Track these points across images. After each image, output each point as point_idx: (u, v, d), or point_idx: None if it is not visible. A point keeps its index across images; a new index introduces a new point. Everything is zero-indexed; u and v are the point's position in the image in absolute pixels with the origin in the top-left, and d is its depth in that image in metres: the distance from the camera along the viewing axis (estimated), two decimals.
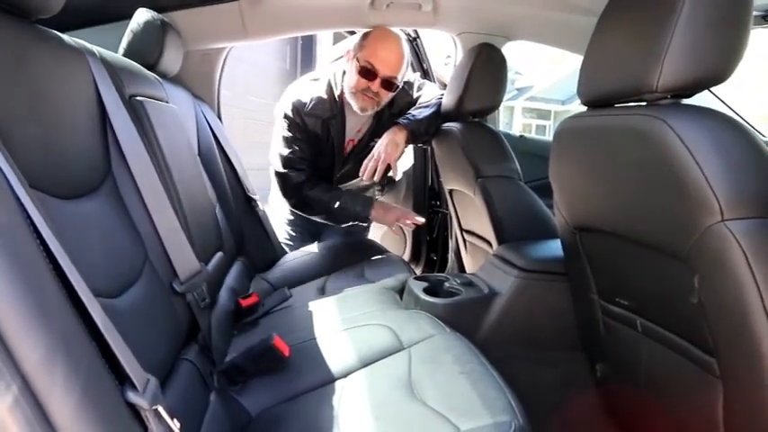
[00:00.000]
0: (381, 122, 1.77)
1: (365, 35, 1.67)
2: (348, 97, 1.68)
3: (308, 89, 1.74)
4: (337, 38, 3.06)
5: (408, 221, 1.79)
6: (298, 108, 1.71)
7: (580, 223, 1.06)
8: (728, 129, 0.71)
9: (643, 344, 0.96)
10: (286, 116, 1.73)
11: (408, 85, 1.85)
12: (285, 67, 5.64)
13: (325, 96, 1.72)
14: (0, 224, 0.44)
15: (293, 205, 1.84)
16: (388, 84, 1.64)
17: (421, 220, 1.80)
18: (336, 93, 1.72)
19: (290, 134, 1.73)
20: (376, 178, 1.70)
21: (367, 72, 1.61)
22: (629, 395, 1.08)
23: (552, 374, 1.25)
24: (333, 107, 1.73)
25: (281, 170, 1.77)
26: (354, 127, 1.80)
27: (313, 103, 1.71)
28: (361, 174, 1.71)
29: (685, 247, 0.74)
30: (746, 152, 0.69)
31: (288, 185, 1.78)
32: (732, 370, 0.76)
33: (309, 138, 1.74)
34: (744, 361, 0.72)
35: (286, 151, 1.75)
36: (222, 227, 1.51)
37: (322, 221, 1.89)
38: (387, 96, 1.68)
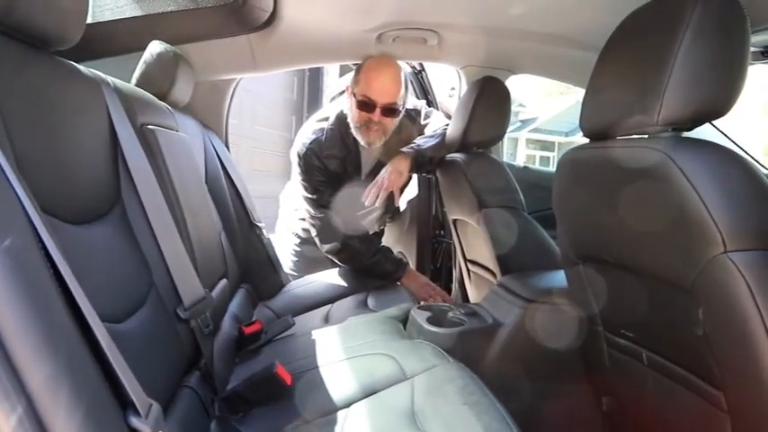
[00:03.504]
0: (391, 150, 1.78)
1: (358, 69, 1.69)
2: (355, 134, 1.70)
3: (321, 131, 1.76)
4: (344, 70, 3.12)
5: (439, 299, 1.80)
6: (315, 152, 1.73)
7: (584, 254, 1.06)
8: (729, 161, 0.72)
9: (649, 377, 0.95)
10: (305, 161, 1.74)
11: (416, 112, 1.88)
12: (292, 97, 5.74)
13: (338, 135, 1.74)
14: (13, 246, 0.45)
15: (328, 251, 1.81)
16: (389, 111, 1.64)
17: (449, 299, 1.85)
18: (348, 130, 1.73)
19: (313, 178, 1.74)
20: (377, 203, 1.72)
21: (365, 105, 1.63)
22: (635, 430, 1.06)
23: (557, 407, 1.23)
24: (347, 144, 1.75)
25: (316, 214, 1.77)
26: (368, 159, 1.82)
27: (328, 144, 1.73)
28: (363, 198, 1.72)
29: (689, 278, 0.74)
30: (748, 184, 0.70)
31: (325, 229, 1.77)
32: (740, 404, 0.75)
33: (331, 178, 1.75)
34: (751, 395, 0.71)
35: (314, 196, 1.75)
36: (227, 254, 1.52)
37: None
38: (391, 123, 1.68)
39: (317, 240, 1.82)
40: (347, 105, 1.72)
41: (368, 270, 1.78)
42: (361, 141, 1.70)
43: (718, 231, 0.68)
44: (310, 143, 1.74)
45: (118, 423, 0.50)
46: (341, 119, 1.74)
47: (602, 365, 1.09)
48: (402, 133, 1.80)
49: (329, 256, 1.84)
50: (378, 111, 1.63)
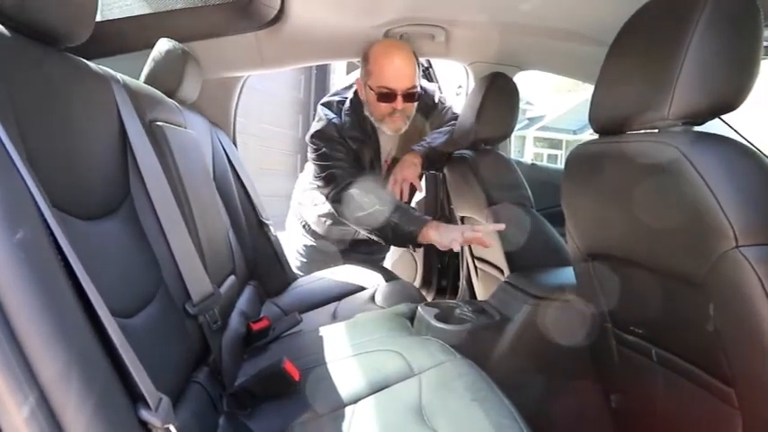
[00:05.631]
0: (409, 135, 1.74)
1: (366, 59, 1.61)
2: (377, 125, 1.65)
3: (340, 110, 1.69)
4: (350, 67, 3.12)
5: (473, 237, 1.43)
6: (338, 127, 1.66)
7: (593, 250, 1.05)
8: (741, 155, 0.71)
9: (659, 374, 0.94)
10: (325, 137, 1.66)
11: (429, 97, 1.84)
12: (299, 96, 5.75)
13: (355, 120, 1.68)
14: (26, 240, 0.45)
15: (343, 214, 1.66)
16: (410, 96, 1.59)
17: (501, 227, 1.44)
18: (364, 115, 1.66)
19: (333, 153, 1.66)
20: (404, 199, 1.71)
21: (386, 96, 1.57)
22: (645, 427, 1.05)
23: (566, 404, 1.22)
24: (366, 130, 1.69)
25: (329, 184, 1.65)
26: (387, 145, 1.78)
27: (348, 125, 1.67)
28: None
29: (700, 273, 0.74)
30: (759, 178, 0.70)
31: (337, 189, 1.64)
32: (751, 401, 0.74)
33: (351, 157, 1.69)
34: (762, 391, 0.71)
35: (331, 168, 1.65)
36: (235, 251, 1.53)
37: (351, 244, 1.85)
38: (412, 108, 1.63)
39: (344, 216, 1.68)
40: (362, 99, 1.65)
41: (386, 231, 1.59)
42: (387, 131, 1.64)
43: (729, 226, 0.68)
44: (332, 119, 1.67)
45: (128, 415, 0.51)
46: (355, 104, 1.68)
47: (611, 362, 1.09)
48: (417, 120, 1.75)
49: (362, 230, 1.69)
50: (399, 98, 1.57)
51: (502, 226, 1.42)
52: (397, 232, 1.57)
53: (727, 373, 0.76)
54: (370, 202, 1.59)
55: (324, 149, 1.66)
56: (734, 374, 0.75)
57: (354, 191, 1.61)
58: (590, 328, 1.15)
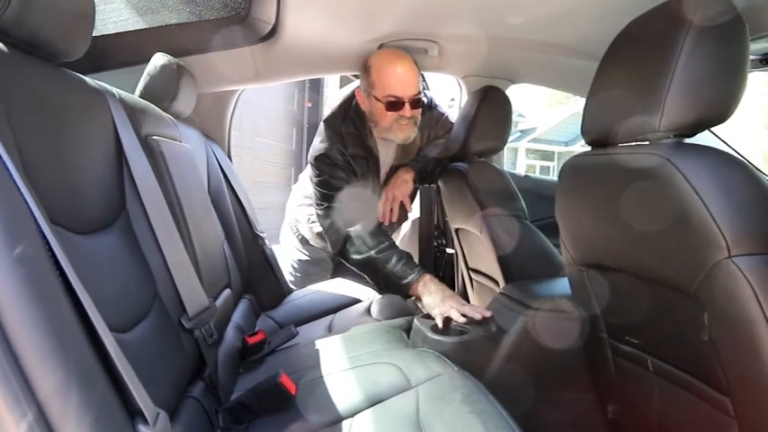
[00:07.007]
0: (407, 148, 1.74)
1: (368, 71, 1.59)
2: (385, 135, 1.63)
3: (341, 129, 1.67)
4: (344, 81, 3.14)
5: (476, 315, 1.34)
6: (342, 151, 1.65)
7: (587, 260, 1.06)
8: (731, 166, 0.73)
9: (655, 384, 0.94)
10: (329, 161, 1.64)
11: (425, 104, 1.80)
12: (293, 109, 5.77)
13: (357, 134, 1.66)
14: (25, 256, 0.45)
15: (337, 251, 1.65)
16: (416, 102, 1.57)
17: (488, 314, 1.33)
18: (366, 130, 1.66)
19: (335, 181, 1.63)
20: (394, 219, 1.72)
21: (393, 104, 1.55)
22: None
23: (562, 415, 1.22)
24: (368, 145, 1.67)
25: (327, 218, 1.64)
26: (386, 159, 1.77)
27: (349, 140, 1.65)
28: (382, 220, 1.70)
29: (694, 283, 0.74)
30: (750, 189, 0.71)
31: (334, 228, 1.62)
32: (746, 409, 0.74)
33: (355, 179, 1.67)
34: (758, 400, 0.71)
35: (332, 200, 1.63)
36: (230, 264, 1.52)
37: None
38: (418, 113, 1.61)
39: (337, 254, 1.67)
40: (366, 110, 1.63)
41: (379, 280, 1.60)
42: (396, 140, 1.63)
43: (721, 236, 0.69)
44: (337, 141, 1.65)
45: (126, 431, 0.51)
46: (355, 119, 1.67)
47: (607, 373, 1.09)
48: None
49: (354, 268, 1.65)
50: (407, 105, 1.55)
51: (489, 313, 1.34)
52: (389, 282, 1.55)
53: (722, 382, 0.77)
54: (366, 247, 1.57)
55: (325, 176, 1.64)
56: (729, 383, 0.75)
57: (353, 231, 1.58)
58: (586, 338, 1.16)
